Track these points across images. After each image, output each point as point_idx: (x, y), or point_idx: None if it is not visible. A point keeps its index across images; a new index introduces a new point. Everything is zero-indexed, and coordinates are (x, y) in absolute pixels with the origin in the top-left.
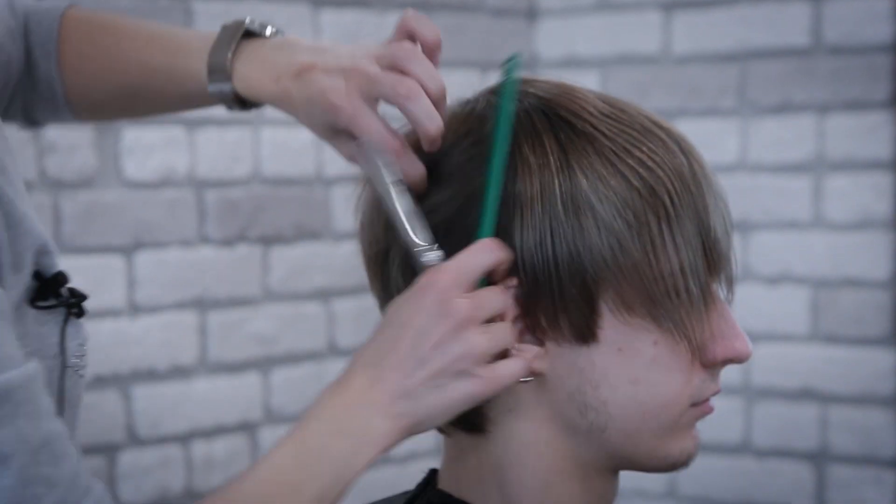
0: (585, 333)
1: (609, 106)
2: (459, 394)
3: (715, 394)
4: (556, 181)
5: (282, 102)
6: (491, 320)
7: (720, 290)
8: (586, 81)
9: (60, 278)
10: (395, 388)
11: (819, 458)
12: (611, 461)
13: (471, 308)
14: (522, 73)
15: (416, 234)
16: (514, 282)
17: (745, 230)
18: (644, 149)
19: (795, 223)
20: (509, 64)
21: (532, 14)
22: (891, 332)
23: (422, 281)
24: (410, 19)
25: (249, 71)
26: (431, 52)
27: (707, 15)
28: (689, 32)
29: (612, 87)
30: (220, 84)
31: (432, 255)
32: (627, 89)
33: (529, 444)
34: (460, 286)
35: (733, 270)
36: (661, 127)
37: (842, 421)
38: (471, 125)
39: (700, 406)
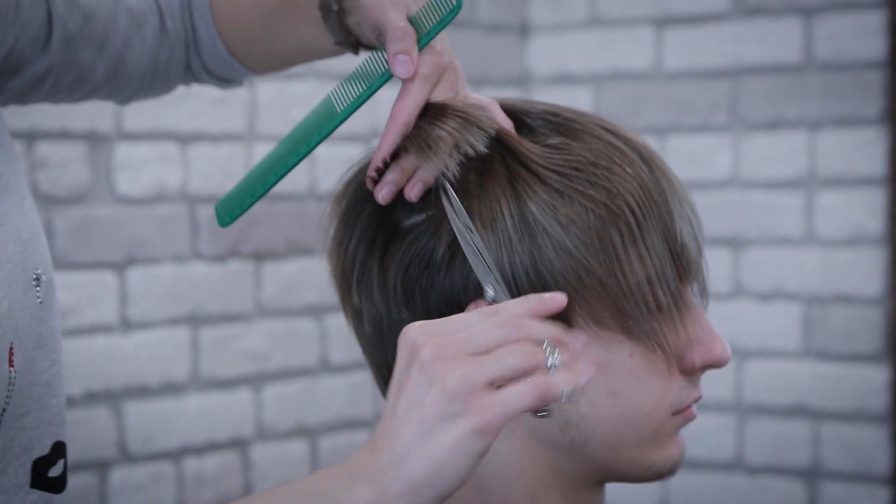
0: None
1: (559, 135)
2: (453, 438)
3: (697, 400)
4: (505, 210)
5: None
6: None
7: (694, 297)
8: (578, 97)
9: None
10: (387, 455)
11: (811, 474)
12: (595, 474)
13: (441, 345)
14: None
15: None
16: (485, 303)
17: (738, 246)
18: (599, 172)
19: (787, 239)
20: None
21: (524, 30)
22: (883, 348)
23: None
24: (502, 121)
25: None
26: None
27: (698, 31)
28: (680, 48)
29: (604, 103)
30: None
31: (491, 292)
32: (619, 105)
33: (512, 463)
34: (434, 330)
35: (705, 275)
36: (620, 137)
37: (834, 438)
38: None
39: (682, 413)
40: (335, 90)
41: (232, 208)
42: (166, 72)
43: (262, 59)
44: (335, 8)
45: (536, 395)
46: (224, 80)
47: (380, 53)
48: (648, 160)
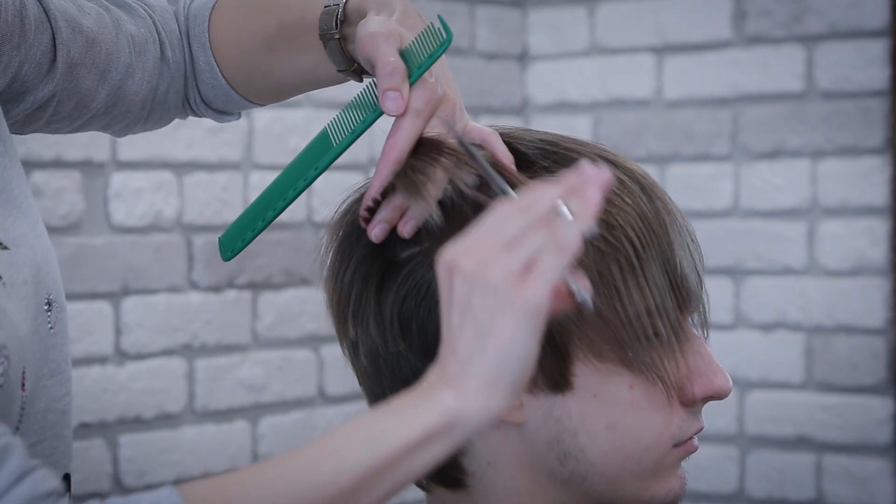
0: (560, 382)
1: (558, 167)
2: (507, 329)
3: (698, 432)
4: None
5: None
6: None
7: (694, 327)
8: (578, 125)
9: None
10: (454, 364)
11: None
12: None
13: (474, 253)
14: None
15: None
16: None
17: (739, 276)
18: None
19: (789, 269)
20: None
21: (524, 58)
22: (886, 379)
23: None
24: (501, 154)
25: None
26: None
27: (699, 59)
28: (681, 77)
29: (605, 132)
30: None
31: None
32: (619, 133)
33: (511, 495)
34: (464, 244)
35: (705, 307)
36: (619, 167)
37: (837, 469)
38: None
39: (683, 445)
40: (332, 122)
41: (234, 242)
42: (165, 102)
43: (263, 89)
44: (336, 36)
45: (561, 254)
46: (222, 113)
47: (375, 85)
48: (648, 190)
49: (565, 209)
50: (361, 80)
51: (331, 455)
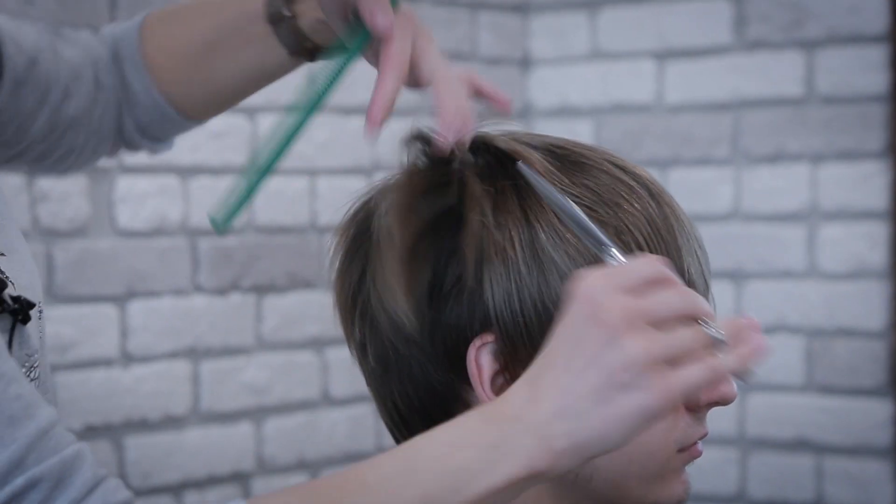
0: None
1: (565, 165)
2: (629, 408)
3: (702, 437)
4: (517, 240)
5: None
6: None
7: None
8: (580, 130)
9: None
10: (553, 406)
11: None
12: None
13: (626, 310)
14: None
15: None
16: (490, 337)
17: (739, 279)
18: (607, 209)
19: (789, 272)
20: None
21: (525, 63)
22: (886, 382)
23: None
24: (483, 84)
25: None
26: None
27: (700, 64)
28: (682, 81)
29: (606, 136)
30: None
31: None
32: (621, 138)
33: (516, 497)
34: (616, 288)
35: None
36: (628, 172)
37: (837, 472)
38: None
39: (688, 450)
40: (302, 94)
41: (227, 214)
42: (99, 130)
43: (204, 99)
44: (288, 14)
45: (709, 376)
46: (156, 141)
47: (342, 42)
48: (657, 196)
49: (715, 327)
50: (314, 60)
51: (413, 486)
